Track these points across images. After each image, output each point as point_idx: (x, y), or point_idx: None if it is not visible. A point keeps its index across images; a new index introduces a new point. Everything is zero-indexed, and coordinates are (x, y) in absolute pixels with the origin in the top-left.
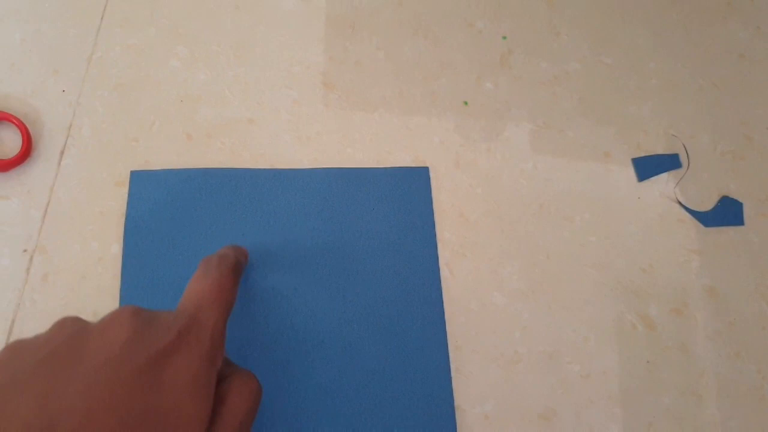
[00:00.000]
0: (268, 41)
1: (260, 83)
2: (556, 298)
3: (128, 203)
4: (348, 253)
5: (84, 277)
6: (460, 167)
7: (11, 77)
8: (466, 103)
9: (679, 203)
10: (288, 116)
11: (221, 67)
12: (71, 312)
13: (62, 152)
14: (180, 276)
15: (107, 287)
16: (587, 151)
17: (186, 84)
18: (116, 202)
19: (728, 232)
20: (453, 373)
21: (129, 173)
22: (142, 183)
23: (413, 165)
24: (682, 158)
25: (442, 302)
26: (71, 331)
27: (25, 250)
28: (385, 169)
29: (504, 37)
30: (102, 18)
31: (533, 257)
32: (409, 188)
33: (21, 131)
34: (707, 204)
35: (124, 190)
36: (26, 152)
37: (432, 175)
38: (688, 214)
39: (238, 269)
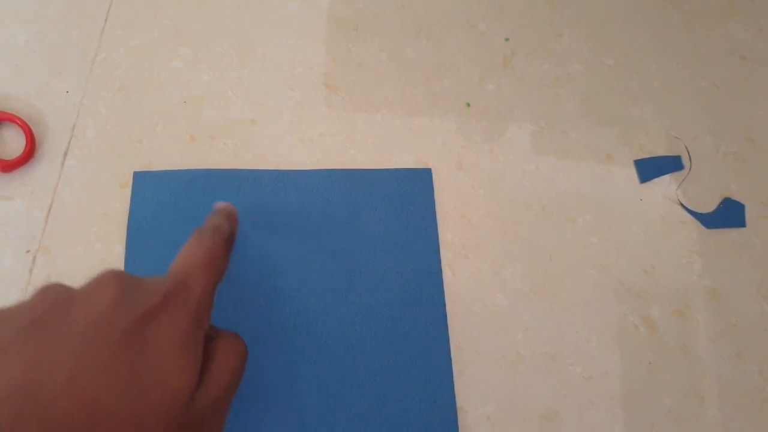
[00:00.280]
0: (271, 42)
1: (263, 84)
2: (558, 299)
3: (131, 204)
4: (350, 254)
5: (87, 279)
6: (463, 168)
7: (15, 78)
8: (468, 104)
9: (681, 205)
10: (291, 117)
11: (224, 69)
12: None
13: (66, 153)
14: None
15: None
16: (589, 153)
17: (189, 85)
18: (120, 203)
19: (730, 234)
20: (455, 374)
21: (132, 174)
22: (145, 184)
23: (415, 166)
24: (684, 160)
25: (445, 303)
26: (55, 298)
27: (28, 251)
28: (388, 170)
29: (506, 39)
30: (106, 20)
31: (535, 258)
32: (412, 190)
33: (25, 132)
34: (709, 205)
35: (128, 191)
36: (30, 153)
37: (434, 176)
38: (690, 216)
39: (230, 240)
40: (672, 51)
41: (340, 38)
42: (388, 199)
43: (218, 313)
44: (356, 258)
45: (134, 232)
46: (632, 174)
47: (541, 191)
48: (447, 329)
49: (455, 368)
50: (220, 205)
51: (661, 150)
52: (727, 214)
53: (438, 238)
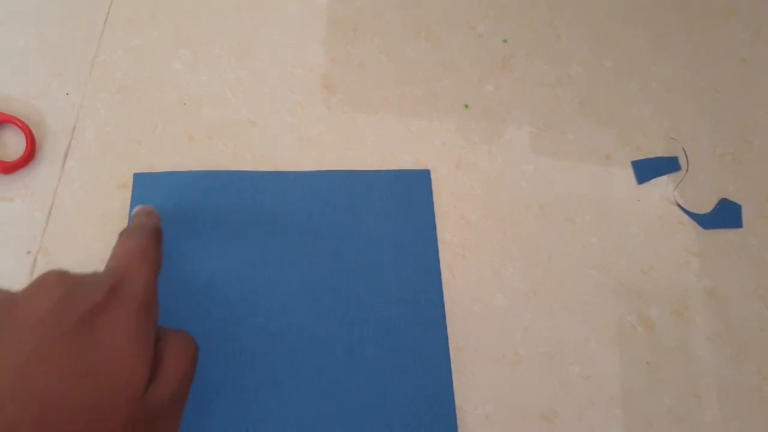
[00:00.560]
0: (270, 43)
1: (262, 85)
2: (557, 299)
3: (131, 205)
4: (349, 255)
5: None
6: (462, 169)
7: (15, 80)
8: (467, 106)
9: (679, 205)
10: (290, 118)
11: (223, 70)
12: None
13: (66, 155)
14: (183, 277)
15: None
16: (588, 154)
17: (188, 86)
18: (119, 204)
19: (727, 234)
20: (454, 374)
21: (132, 175)
22: (145, 185)
23: (414, 167)
24: (682, 161)
25: (444, 303)
26: None
27: (28, 252)
28: (387, 171)
29: (505, 40)
30: (105, 22)
31: (534, 259)
32: (411, 190)
33: (25, 134)
34: (706, 206)
35: (127, 192)
36: (30, 155)
37: (433, 176)
38: (687, 217)
39: (157, 234)
40: (671, 53)
41: (340, 39)
42: (387, 199)
43: (219, 313)
44: (355, 258)
45: None
46: (630, 175)
47: (540, 192)
48: (446, 329)
49: (454, 368)
50: (139, 207)
51: (659, 151)
52: (724, 215)
53: (437, 238)
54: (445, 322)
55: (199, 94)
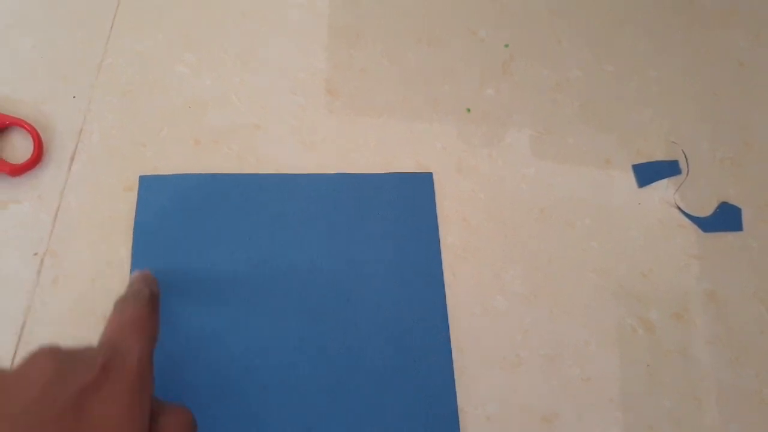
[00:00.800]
0: (275, 48)
1: (266, 89)
2: (558, 302)
3: (137, 207)
4: (352, 257)
5: (93, 281)
6: (463, 173)
7: (23, 83)
8: (468, 110)
9: (679, 209)
10: (294, 122)
11: (228, 74)
12: (82, 315)
13: (72, 157)
14: (188, 279)
15: (116, 290)
16: (588, 157)
17: (193, 90)
18: (125, 207)
19: (728, 238)
20: (456, 376)
21: (138, 178)
22: (150, 187)
23: (416, 170)
24: (682, 164)
25: (446, 306)
26: None
27: (35, 254)
28: (389, 174)
29: (506, 45)
30: (112, 26)
31: (535, 261)
32: (413, 193)
33: (32, 137)
34: (706, 210)
35: (133, 195)
36: (37, 157)
37: (435, 180)
38: (688, 220)
39: (153, 301)
40: (670, 57)
41: (343, 44)
42: (390, 202)
43: (223, 314)
44: (358, 260)
45: (140, 235)
46: (631, 178)
47: (540, 195)
48: (448, 331)
49: (456, 369)
50: (135, 273)
51: (659, 155)
52: (724, 218)
53: (439, 241)
54: (447, 323)
55: (204, 97)
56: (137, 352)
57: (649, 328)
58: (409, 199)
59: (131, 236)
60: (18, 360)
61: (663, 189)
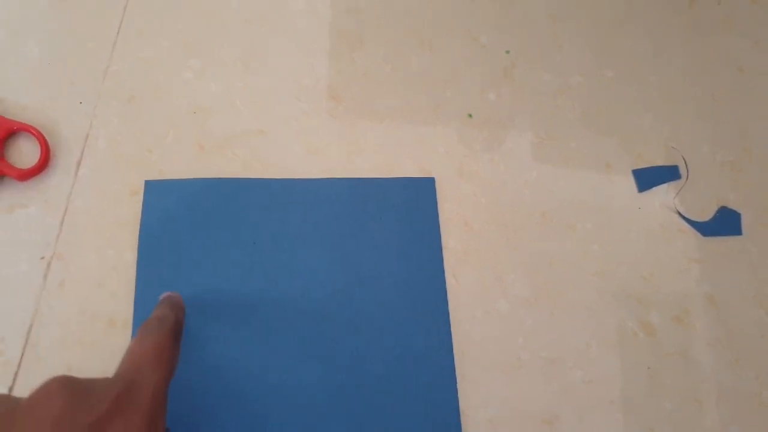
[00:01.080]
0: (278, 54)
1: (270, 95)
2: (559, 305)
3: (143, 212)
4: (355, 261)
5: (100, 284)
6: (464, 177)
7: (30, 89)
8: (470, 115)
9: (679, 213)
10: (297, 127)
11: (232, 80)
12: (88, 318)
13: (79, 162)
14: (193, 283)
15: (122, 294)
16: (589, 162)
17: (198, 96)
18: (131, 211)
19: (727, 242)
20: (458, 379)
21: (143, 183)
22: (156, 192)
23: (418, 174)
24: (682, 169)
25: (448, 309)
26: None
27: (42, 257)
28: (392, 179)
29: (507, 51)
30: (118, 32)
31: (536, 265)
32: (415, 198)
33: (39, 142)
34: (706, 214)
35: (139, 199)
36: (44, 162)
37: (437, 184)
38: (688, 224)
39: (177, 330)
40: (670, 62)
41: (345, 49)
42: (393, 206)
43: (226, 314)
44: (361, 264)
45: (146, 239)
46: (631, 183)
47: (541, 199)
48: (450, 334)
49: (458, 372)
50: (165, 294)
51: (659, 159)
52: (724, 223)
53: (441, 244)
54: (449, 327)
55: (208, 103)
56: (153, 384)
57: (649, 330)
58: (411, 204)
59: (137, 240)
60: (22, 361)
61: (663, 193)
